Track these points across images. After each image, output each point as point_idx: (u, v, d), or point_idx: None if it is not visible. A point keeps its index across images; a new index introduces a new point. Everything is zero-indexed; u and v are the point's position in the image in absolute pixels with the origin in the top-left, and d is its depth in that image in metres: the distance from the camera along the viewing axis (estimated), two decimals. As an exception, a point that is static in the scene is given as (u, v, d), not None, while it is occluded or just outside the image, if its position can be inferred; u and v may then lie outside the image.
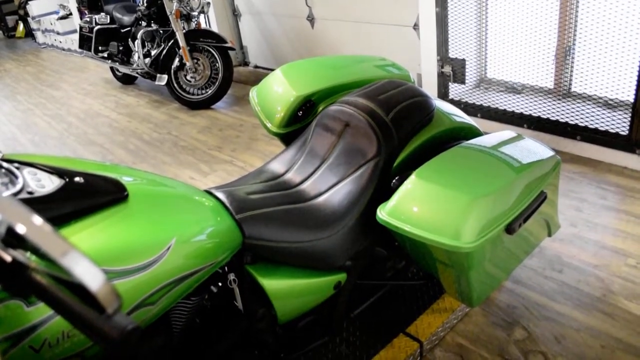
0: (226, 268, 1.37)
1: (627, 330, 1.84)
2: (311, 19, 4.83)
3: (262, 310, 1.44)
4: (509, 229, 1.45)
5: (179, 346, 1.31)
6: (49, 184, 1.00)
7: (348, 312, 1.73)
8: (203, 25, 5.71)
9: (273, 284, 1.41)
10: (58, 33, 8.83)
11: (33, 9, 9.47)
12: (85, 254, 0.58)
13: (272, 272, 1.43)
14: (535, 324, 1.90)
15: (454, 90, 3.71)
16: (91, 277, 0.56)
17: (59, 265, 0.57)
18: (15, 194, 0.94)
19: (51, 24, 9.00)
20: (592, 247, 2.27)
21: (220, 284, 1.40)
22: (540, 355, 1.78)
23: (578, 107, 3.06)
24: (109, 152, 4.12)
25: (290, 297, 1.46)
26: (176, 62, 4.71)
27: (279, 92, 1.95)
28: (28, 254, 0.67)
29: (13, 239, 0.64)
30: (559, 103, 3.22)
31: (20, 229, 0.59)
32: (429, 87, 3.77)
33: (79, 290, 0.58)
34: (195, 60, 4.73)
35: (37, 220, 0.60)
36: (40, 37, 9.75)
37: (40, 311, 0.88)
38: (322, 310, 1.59)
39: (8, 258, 0.65)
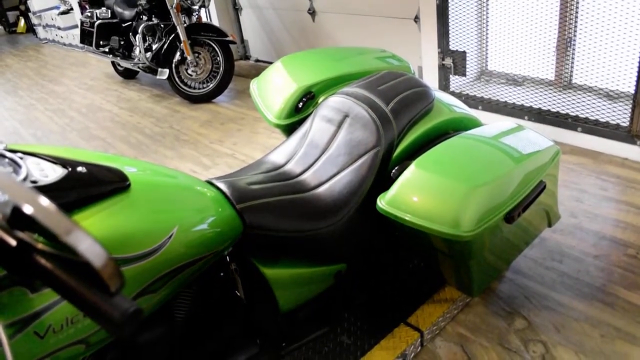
0: (228, 258, 1.39)
1: (626, 320, 1.85)
2: (312, 12, 4.82)
3: (263, 299, 1.45)
4: (508, 218, 1.46)
5: (181, 335, 1.32)
6: (52, 173, 1.01)
7: (349, 301, 1.75)
8: (204, 19, 5.70)
9: (274, 273, 1.42)
10: (59, 28, 8.82)
11: (34, 4, 9.46)
12: (88, 232, 0.59)
13: (274, 261, 1.44)
14: (535, 314, 1.92)
15: (455, 82, 3.71)
16: (95, 255, 0.57)
17: (63, 243, 0.58)
18: None
19: (52, 19, 8.99)
20: (592, 238, 2.28)
21: (222, 273, 1.41)
22: (540, 345, 1.79)
23: (579, 98, 3.06)
24: (110, 146, 4.13)
25: (292, 286, 1.47)
26: (177, 56, 4.72)
27: (279, 83, 1.96)
28: (35, 235, 0.68)
29: (18, 221, 0.65)
30: (559, 95, 3.22)
31: (27, 209, 0.60)
32: (430, 80, 3.77)
33: (83, 269, 0.59)
34: (197, 54, 4.73)
35: (43, 200, 0.61)
36: (41, 32, 9.74)
37: (45, 297, 0.89)
38: (323, 299, 1.60)
39: (13, 242, 0.66)
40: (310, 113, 1.84)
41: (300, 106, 1.90)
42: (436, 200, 1.40)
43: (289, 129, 1.92)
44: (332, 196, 1.53)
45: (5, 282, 0.85)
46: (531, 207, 1.55)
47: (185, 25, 4.61)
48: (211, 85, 4.81)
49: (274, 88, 1.98)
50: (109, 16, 5.63)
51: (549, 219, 1.88)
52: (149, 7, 4.95)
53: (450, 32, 3.55)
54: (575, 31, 3.10)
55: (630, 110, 2.81)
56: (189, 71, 4.77)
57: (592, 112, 2.99)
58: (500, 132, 1.69)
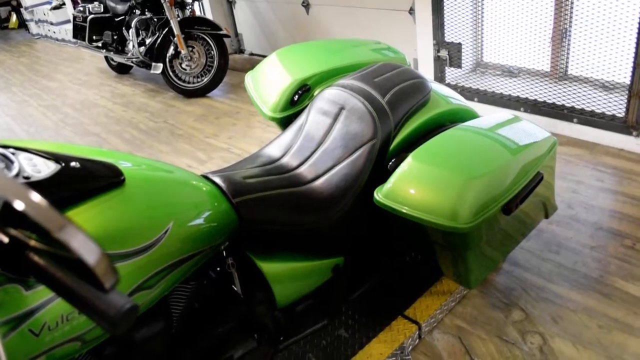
0: (224, 252, 1.38)
1: (623, 310, 1.85)
2: (306, 5, 4.79)
3: (260, 294, 1.44)
4: (506, 210, 1.45)
5: (178, 330, 1.31)
6: (45, 169, 0.99)
7: (346, 295, 1.74)
8: (197, 13, 5.67)
9: (271, 267, 1.41)
10: (52, 23, 8.76)
11: (26, -1, 9.40)
12: (81, 228, 0.57)
13: (271, 255, 1.43)
14: (532, 305, 1.92)
15: (451, 74, 3.70)
16: (88, 251, 0.56)
17: (56, 239, 0.57)
18: None
19: (44, 14, 8.92)
20: (589, 229, 2.28)
21: (218, 268, 1.40)
22: (537, 336, 1.79)
23: (574, 89, 3.05)
24: (105, 142, 4.11)
25: (289, 280, 1.47)
26: (171, 51, 4.69)
27: (274, 76, 1.95)
28: (27, 233, 0.67)
29: (10, 218, 0.64)
30: (555, 86, 3.21)
31: (18, 205, 0.59)
32: (426, 72, 3.76)
33: (77, 266, 0.58)
34: (190, 48, 4.71)
35: (34, 196, 0.59)
36: (33, 27, 9.67)
37: (39, 295, 0.88)
38: (321, 293, 1.59)
39: (5, 239, 0.65)
40: (306, 106, 1.82)
41: (295, 99, 1.88)
42: (433, 192, 1.39)
43: (285, 122, 1.91)
44: (329, 189, 1.52)
45: (-1, 280, 0.84)
46: (528, 199, 1.55)
47: (178, 19, 4.58)
48: (205, 80, 4.79)
49: (269, 81, 1.96)
50: (102, 11, 5.58)
51: (546, 211, 1.88)
52: (142, 1, 4.91)
53: (445, 23, 3.53)
54: (570, 22, 3.09)
55: (626, 101, 2.81)
56: (183, 65, 4.74)
57: (588, 103, 2.99)
58: (497, 124, 1.68)
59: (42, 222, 0.57)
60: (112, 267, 0.58)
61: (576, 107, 3.03)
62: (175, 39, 4.59)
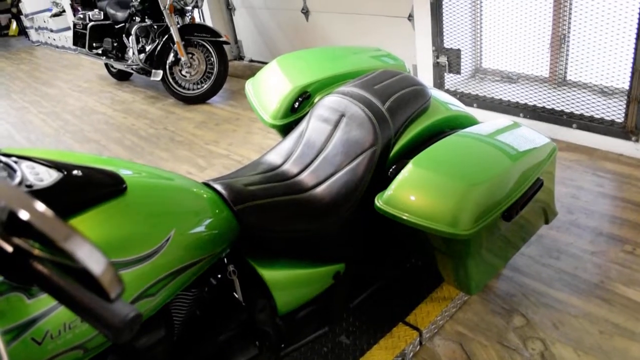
0: (225, 260, 1.38)
1: (624, 316, 1.85)
2: (306, 12, 4.82)
3: (262, 301, 1.44)
4: (506, 216, 1.46)
5: (180, 338, 1.31)
6: (47, 177, 1.00)
7: (347, 302, 1.74)
8: (197, 20, 5.69)
9: (272, 274, 1.41)
10: (51, 30, 8.79)
11: (26, 6, 9.43)
12: (87, 237, 0.58)
13: (272, 262, 1.43)
14: (533, 311, 1.92)
15: (450, 80, 3.71)
16: (94, 261, 0.56)
17: (61, 249, 0.57)
18: None
19: (44, 21, 8.96)
20: (589, 234, 2.28)
21: (220, 275, 1.40)
22: (539, 342, 1.79)
23: (573, 95, 3.06)
24: (105, 148, 4.11)
25: (290, 287, 1.47)
26: (171, 58, 4.70)
27: (275, 83, 1.95)
28: (30, 242, 0.67)
29: (14, 227, 0.64)
30: (554, 91, 3.22)
31: (23, 214, 0.59)
32: (425, 78, 3.77)
33: (82, 276, 0.58)
34: (190, 55, 4.72)
35: (40, 206, 0.60)
36: (33, 35, 9.70)
37: (42, 303, 0.88)
38: (322, 300, 1.59)
39: (9, 248, 0.65)
40: (306, 113, 1.83)
41: (296, 106, 1.89)
42: (434, 198, 1.39)
43: (285, 129, 1.91)
44: (330, 196, 1.52)
45: (2, 289, 0.84)
46: (529, 205, 1.55)
47: (178, 26, 4.59)
48: (205, 86, 4.80)
49: (270, 88, 1.97)
50: (102, 18, 5.61)
51: (546, 216, 1.89)
52: (141, 9, 4.93)
53: (444, 30, 3.55)
54: (569, 28, 3.10)
55: (624, 106, 2.82)
56: (183, 72, 4.75)
57: (587, 108, 2.99)
58: (496, 130, 1.68)
59: (48, 232, 0.58)
60: (118, 277, 0.58)
61: (575, 112, 3.04)
62: (175, 46, 4.60)
